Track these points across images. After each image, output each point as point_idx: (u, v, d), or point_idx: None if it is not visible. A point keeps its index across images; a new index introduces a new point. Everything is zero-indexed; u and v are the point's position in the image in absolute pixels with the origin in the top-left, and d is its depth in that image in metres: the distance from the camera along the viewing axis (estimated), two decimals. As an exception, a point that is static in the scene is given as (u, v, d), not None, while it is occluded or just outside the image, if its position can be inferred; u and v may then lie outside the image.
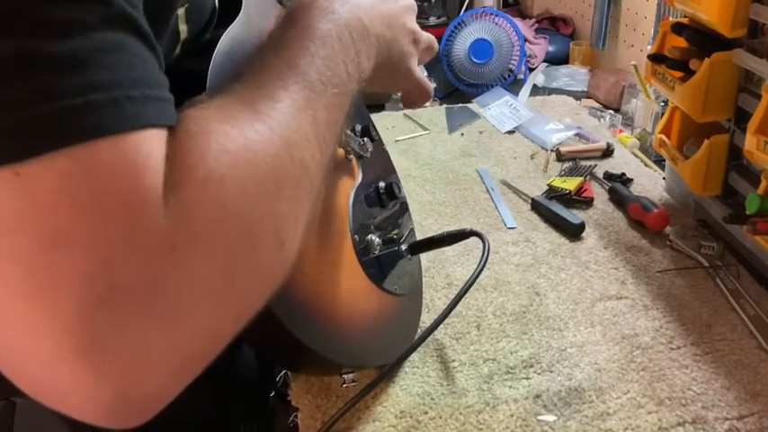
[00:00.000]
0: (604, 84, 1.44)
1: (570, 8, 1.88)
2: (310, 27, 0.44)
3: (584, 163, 1.14)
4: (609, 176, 1.09)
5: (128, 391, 0.28)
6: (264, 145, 0.35)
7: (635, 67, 1.22)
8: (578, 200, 1.02)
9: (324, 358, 0.56)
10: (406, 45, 0.56)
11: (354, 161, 0.70)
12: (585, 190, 1.04)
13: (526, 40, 1.68)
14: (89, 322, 0.26)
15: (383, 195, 0.69)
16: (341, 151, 0.68)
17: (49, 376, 0.27)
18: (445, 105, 1.46)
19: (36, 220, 0.25)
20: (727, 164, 0.85)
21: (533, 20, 1.91)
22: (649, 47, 1.10)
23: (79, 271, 0.26)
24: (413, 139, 1.30)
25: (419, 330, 0.76)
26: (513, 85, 1.56)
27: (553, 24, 1.89)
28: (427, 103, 1.54)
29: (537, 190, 1.06)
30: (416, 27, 0.57)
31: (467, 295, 0.71)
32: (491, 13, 1.55)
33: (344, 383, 0.66)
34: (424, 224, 0.99)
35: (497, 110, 1.40)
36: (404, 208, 0.81)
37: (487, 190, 1.09)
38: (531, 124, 1.31)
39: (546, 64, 1.68)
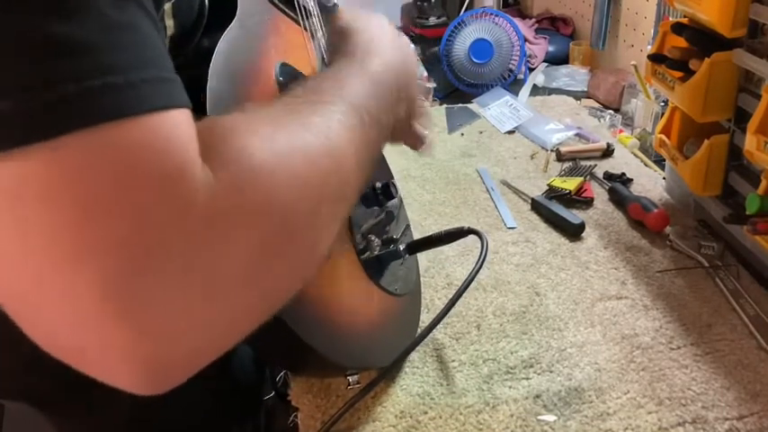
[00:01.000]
0: (604, 84, 1.44)
1: (570, 8, 1.88)
2: (365, 66, 0.49)
3: (584, 163, 1.14)
4: (609, 176, 1.09)
5: (160, 355, 0.29)
6: (314, 152, 0.37)
7: (635, 67, 1.22)
8: (578, 200, 1.02)
9: (329, 361, 0.56)
10: (415, 107, 0.60)
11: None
12: (585, 190, 1.04)
13: (526, 40, 1.68)
14: (127, 287, 0.28)
15: (380, 195, 0.69)
16: None
17: (86, 339, 0.28)
18: (445, 105, 1.46)
19: (72, 193, 0.27)
20: (727, 164, 0.85)
21: (533, 20, 1.91)
22: (649, 47, 1.10)
23: (116, 238, 0.27)
24: (413, 139, 1.30)
25: (419, 330, 0.76)
26: (513, 85, 1.56)
27: (553, 24, 1.89)
28: (427, 103, 1.54)
29: (537, 190, 1.06)
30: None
31: (467, 295, 0.71)
32: (491, 13, 1.55)
33: (349, 385, 0.66)
34: (424, 224, 0.99)
35: (497, 110, 1.40)
36: (400, 207, 0.81)
37: (487, 190, 1.09)
38: (531, 124, 1.31)
39: (546, 64, 1.68)
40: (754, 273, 0.83)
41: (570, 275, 0.86)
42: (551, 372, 0.71)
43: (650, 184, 1.08)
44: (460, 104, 1.46)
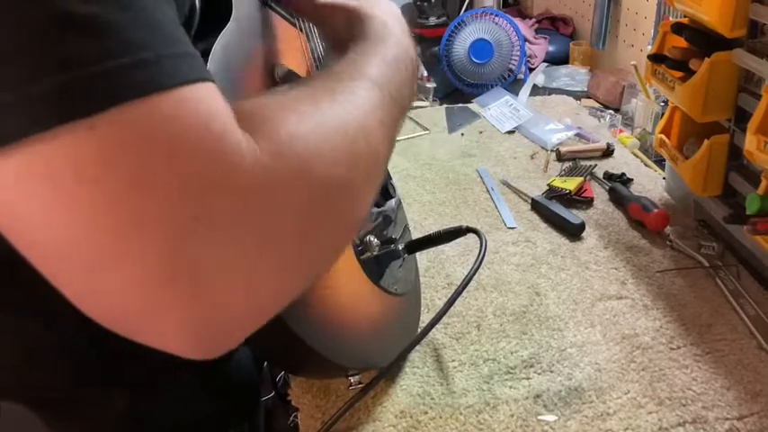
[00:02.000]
0: (604, 84, 1.44)
1: (570, 8, 1.88)
2: (382, 48, 0.50)
3: (584, 163, 1.14)
4: (609, 176, 1.09)
5: (211, 320, 0.30)
6: (344, 123, 0.38)
7: (635, 67, 1.22)
8: (578, 200, 1.03)
9: (331, 362, 0.56)
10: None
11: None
12: (585, 190, 1.04)
13: (526, 40, 1.68)
14: (177, 252, 0.28)
15: (378, 195, 0.69)
16: None
17: (139, 303, 0.29)
18: (445, 105, 1.46)
19: (113, 168, 0.27)
20: (727, 164, 0.85)
21: (533, 20, 1.91)
22: (649, 47, 1.10)
23: (162, 207, 0.28)
24: (413, 139, 1.30)
25: (419, 330, 0.76)
26: (513, 85, 1.55)
27: (553, 24, 1.89)
28: (427, 103, 1.54)
29: (537, 190, 1.06)
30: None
31: (467, 295, 0.71)
32: (491, 13, 1.55)
33: (351, 386, 0.66)
34: (424, 224, 0.99)
35: (497, 110, 1.40)
36: (399, 207, 0.81)
37: (487, 190, 1.09)
38: (531, 124, 1.31)
39: (546, 64, 1.68)
40: (754, 273, 0.83)
41: (570, 275, 0.86)
42: (551, 372, 0.71)
43: (650, 184, 1.08)
44: (460, 104, 1.46)
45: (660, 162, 1.12)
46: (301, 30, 0.70)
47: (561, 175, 1.10)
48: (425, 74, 1.58)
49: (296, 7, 0.62)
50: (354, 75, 0.45)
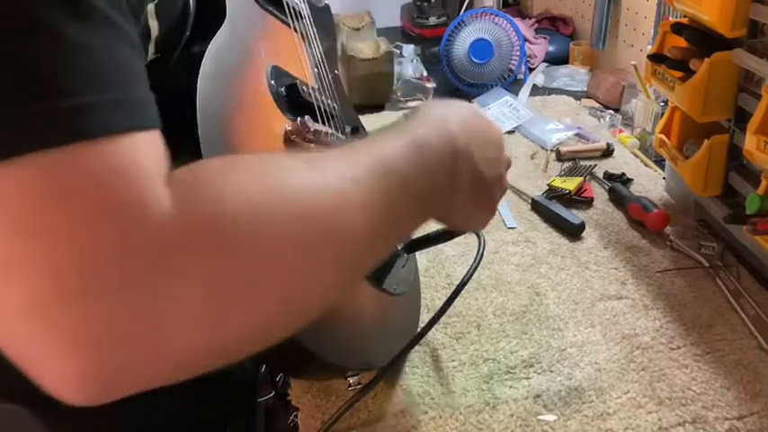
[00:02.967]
0: (604, 84, 1.44)
1: (570, 8, 1.88)
2: (408, 130, 0.45)
3: (584, 163, 1.14)
4: (609, 176, 1.09)
5: (89, 372, 0.29)
6: (299, 206, 0.34)
7: (635, 67, 1.21)
8: (578, 200, 1.02)
9: (329, 363, 0.56)
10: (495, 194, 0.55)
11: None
12: (585, 190, 1.04)
13: (526, 40, 1.68)
14: (61, 310, 0.28)
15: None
16: None
17: (30, 356, 0.29)
18: (445, 105, 1.46)
19: (11, 214, 0.27)
20: (727, 164, 0.85)
21: (533, 20, 1.91)
22: (649, 47, 1.10)
23: (51, 262, 0.27)
24: (413, 139, 1.30)
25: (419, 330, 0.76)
26: (513, 85, 1.55)
27: (553, 24, 1.88)
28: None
29: (537, 190, 1.06)
30: (506, 178, 0.56)
31: (467, 295, 0.71)
32: (491, 13, 1.54)
33: (350, 386, 0.66)
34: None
35: (497, 110, 1.40)
36: None
37: (487, 190, 1.09)
38: (530, 124, 1.31)
39: (546, 64, 1.68)
40: (754, 273, 0.83)
41: (570, 275, 0.86)
42: (551, 371, 0.71)
43: (650, 184, 1.08)
44: (460, 104, 1.45)
45: (660, 162, 1.12)
46: (296, 30, 0.70)
47: (561, 175, 1.10)
48: (425, 74, 1.58)
49: None
50: (350, 153, 0.41)
